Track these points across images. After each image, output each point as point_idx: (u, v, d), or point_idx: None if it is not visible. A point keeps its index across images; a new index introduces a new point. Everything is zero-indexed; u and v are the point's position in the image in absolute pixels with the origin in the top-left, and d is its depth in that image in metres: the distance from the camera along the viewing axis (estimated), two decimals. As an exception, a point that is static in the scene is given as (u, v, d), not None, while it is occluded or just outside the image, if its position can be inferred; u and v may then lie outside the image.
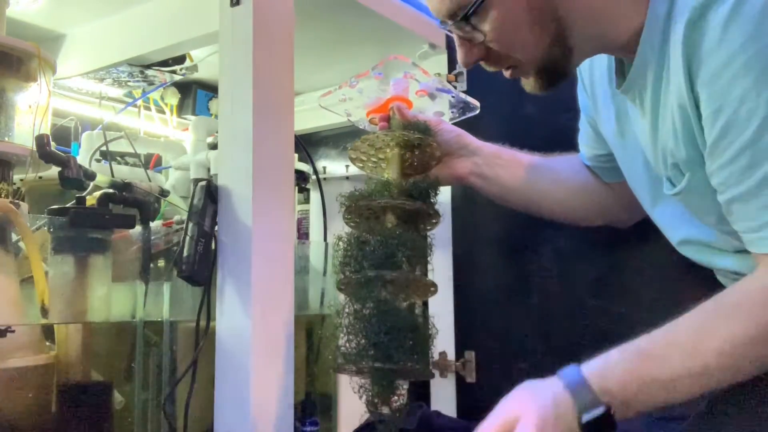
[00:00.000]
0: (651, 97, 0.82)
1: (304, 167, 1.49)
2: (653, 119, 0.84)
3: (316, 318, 1.33)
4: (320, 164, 1.73)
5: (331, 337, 0.90)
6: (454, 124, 1.12)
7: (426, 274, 0.96)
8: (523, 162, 1.11)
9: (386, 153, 1.00)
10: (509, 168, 1.10)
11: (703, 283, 0.94)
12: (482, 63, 0.87)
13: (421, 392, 1.41)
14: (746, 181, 0.73)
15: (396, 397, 0.88)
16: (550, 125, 1.26)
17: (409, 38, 1.40)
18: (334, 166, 1.72)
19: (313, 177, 1.51)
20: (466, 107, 1.10)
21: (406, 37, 1.39)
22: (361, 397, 0.88)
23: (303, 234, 1.67)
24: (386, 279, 0.89)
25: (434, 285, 0.96)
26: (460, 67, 1.45)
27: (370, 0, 1.26)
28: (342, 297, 0.93)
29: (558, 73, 0.85)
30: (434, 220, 0.98)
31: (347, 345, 0.87)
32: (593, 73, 1.02)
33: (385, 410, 0.87)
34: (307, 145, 1.54)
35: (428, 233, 0.98)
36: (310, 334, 1.31)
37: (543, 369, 1.34)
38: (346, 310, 0.89)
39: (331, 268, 1.36)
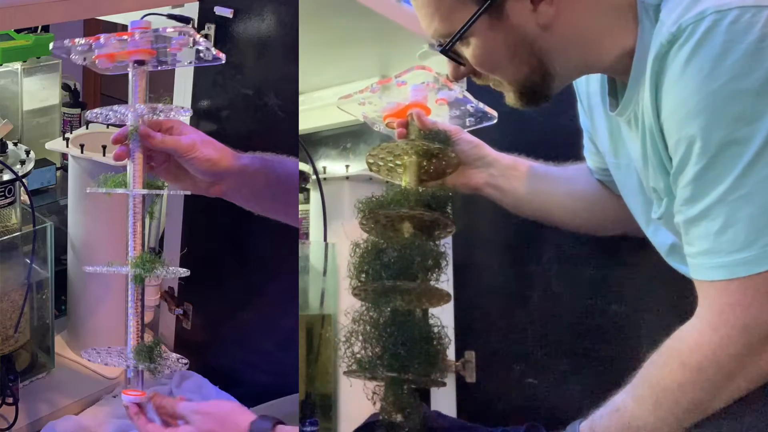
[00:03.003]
0: (642, 120, 0.84)
1: (304, 167, 1.49)
2: (642, 144, 0.85)
3: (316, 318, 1.33)
4: (320, 164, 1.73)
5: (346, 341, 0.90)
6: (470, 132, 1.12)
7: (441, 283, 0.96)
8: (539, 173, 1.12)
9: (404, 160, 1.01)
10: (525, 180, 1.11)
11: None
12: (471, 76, 0.92)
13: (421, 392, 1.40)
14: (687, 210, 0.76)
15: (411, 404, 0.89)
16: (550, 125, 1.26)
17: (410, 38, 1.40)
18: (334, 166, 1.72)
19: (313, 177, 1.51)
20: (483, 117, 1.11)
21: (406, 37, 1.39)
22: (374, 404, 0.89)
23: (303, 234, 1.66)
24: (403, 289, 0.89)
25: (448, 295, 0.96)
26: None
27: (370, 0, 1.26)
28: (357, 303, 0.93)
29: (537, 96, 0.89)
30: (449, 230, 0.98)
31: (362, 352, 0.88)
32: (589, 90, 1.03)
33: (399, 418, 0.88)
34: (307, 145, 1.54)
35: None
36: (310, 334, 1.31)
37: (543, 369, 1.34)
38: (363, 317, 0.90)
39: (331, 269, 1.36)
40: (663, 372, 0.78)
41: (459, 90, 1.06)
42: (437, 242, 0.96)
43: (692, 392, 0.75)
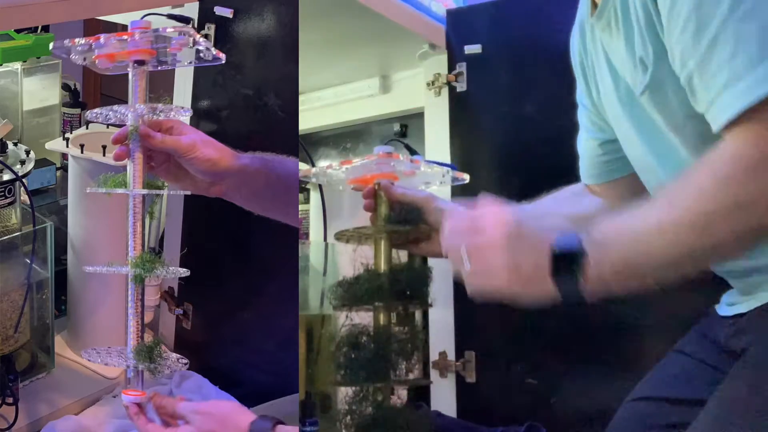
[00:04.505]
0: (621, 11, 0.82)
1: (304, 167, 1.49)
2: (626, 33, 0.83)
3: (316, 318, 1.33)
4: (320, 164, 1.73)
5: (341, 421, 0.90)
6: None
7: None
8: None
9: (375, 240, 0.96)
10: None
11: (702, 282, 0.94)
12: None
13: (421, 392, 1.41)
14: (696, 46, 0.71)
15: None
16: (549, 124, 1.26)
17: (409, 38, 1.40)
18: (334, 166, 1.72)
19: (313, 177, 1.51)
20: (453, 180, 1.07)
21: (406, 37, 1.39)
22: None
23: (303, 234, 1.67)
24: (379, 387, 0.89)
25: (426, 381, 0.98)
26: (460, 67, 1.45)
27: (370, 0, 1.26)
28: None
29: None
30: (423, 309, 0.96)
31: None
32: (582, 48, 1.01)
33: None
34: (307, 145, 1.54)
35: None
36: (310, 334, 1.31)
37: (543, 369, 1.34)
38: (354, 402, 0.90)
39: (331, 269, 1.36)
40: (688, 178, 0.71)
41: (424, 165, 1.00)
42: (416, 326, 0.94)
43: (708, 204, 0.69)
